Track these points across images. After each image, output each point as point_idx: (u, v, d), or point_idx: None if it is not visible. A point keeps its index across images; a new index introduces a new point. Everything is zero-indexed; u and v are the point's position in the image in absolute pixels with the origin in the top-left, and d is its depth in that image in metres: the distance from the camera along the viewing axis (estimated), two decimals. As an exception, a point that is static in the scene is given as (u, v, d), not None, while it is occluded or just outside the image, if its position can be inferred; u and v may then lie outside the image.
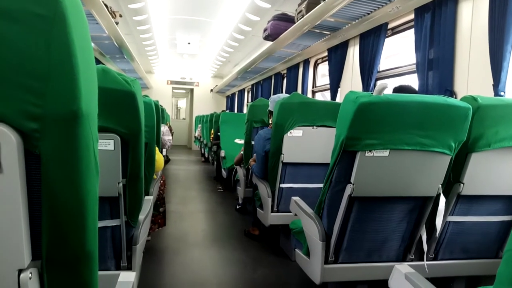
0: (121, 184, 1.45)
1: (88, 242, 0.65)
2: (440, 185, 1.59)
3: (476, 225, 1.74)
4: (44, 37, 0.55)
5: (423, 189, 1.59)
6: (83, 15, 0.62)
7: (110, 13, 4.24)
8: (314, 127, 2.47)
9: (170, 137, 3.65)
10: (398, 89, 2.10)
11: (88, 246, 0.65)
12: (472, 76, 2.33)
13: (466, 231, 1.75)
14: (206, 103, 12.34)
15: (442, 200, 1.59)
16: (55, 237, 0.62)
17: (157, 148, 2.55)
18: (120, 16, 4.88)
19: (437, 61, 2.54)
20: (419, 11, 2.71)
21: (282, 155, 2.51)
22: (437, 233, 1.67)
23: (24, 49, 0.55)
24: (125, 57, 6.18)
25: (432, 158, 1.53)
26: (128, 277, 1.20)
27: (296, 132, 2.47)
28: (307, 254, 1.82)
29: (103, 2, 3.86)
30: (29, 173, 0.59)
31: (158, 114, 2.78)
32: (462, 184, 1.61)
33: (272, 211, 2.67)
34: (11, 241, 0.59)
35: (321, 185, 1.70)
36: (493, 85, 2.08)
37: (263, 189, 2.73)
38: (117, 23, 4.58)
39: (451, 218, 1.71)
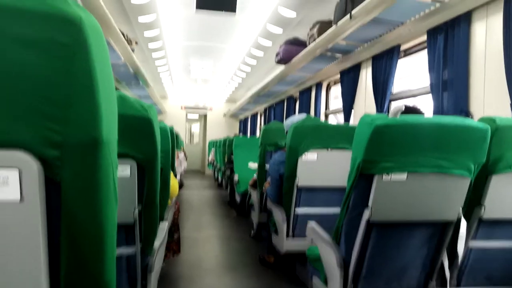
0: (137, 211, 1.44)
1: (107, 271, 0.65)
2: (461, 209, 1.55)
3: (500, 251, 1.67)
4: (66, 65, 0.56)
5: (443, 213, 1.55)
6: (104, 43, 0.63)
7: (127, 41, 4.37)
8: (329, 150, 2.46)
9: (186, 164, 3.67)
10: (405, 111, 2.07)
11: (106, 275, 0.65)
12: (488, 96, 2.30)
13: (489, 257, 1.68)
14: (219, 128, 12.43)
15: (463, 224, 1.54)
16: (74, 266, 0.62)
17: (172, 173, 2.56)
18: (136, 43, 5.02)
19: (451, 82, 2.52)
20: (432, 33, 2.72)
21: (297, 178, 2.49)
22: (459, 259, 1.61)
23: (47, 77, 0.56)
24: (140, 83, 6.32)
25: (451, 181, 1.49)
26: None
27: (311, 156, 2.45)
28: (325, 282, 1.77)
29: (120, 30, 3.98)
30: (48, 201, 0.60)
31: (173, 139, 2.81)
32: (483, 207, 1.56)
33: (288, 237, 2.63)
34: (30, 272, 0.59)
35: (338, 210, 1.67)
36: (510, 105, 2.04)
37: (278, 214, 2.69)
38: (133, 50, 4.71)
39: (473, 243, 1.65)
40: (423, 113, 2.01)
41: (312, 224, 2.00)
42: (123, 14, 4.29)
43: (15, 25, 0.54)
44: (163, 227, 1.98)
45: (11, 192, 0.56)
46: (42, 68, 0.56)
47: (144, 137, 1.38)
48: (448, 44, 2.56)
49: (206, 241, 4.02)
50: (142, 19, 4.45)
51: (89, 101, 0.57)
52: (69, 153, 0.58)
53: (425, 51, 2.85)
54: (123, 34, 4.19)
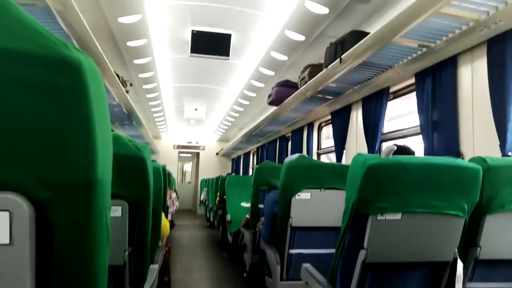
0: (127, 252, 1.40)
1: (96, 318, 0.62)
2: (456, 250, 1.53)
3: (498, 293, 1.64)
4: (65, 107, 0.56)
5: (439, 253, 1.53)
6: (102, 85, 0.63)
7: (121, 82, 4.44)
8: (322, 189, 2.45)
9: (177, 203, 3.64)
10: (397, 151, 2.09)
11: (96, 322, 0.62)
12: (477, 137, 2.34)
13: (488, 299, 1.65)
14: (211, 166, 12.39)
15: (460, 265, 1.52)
16: None
17: (163, 214, 2.52)
18: (131, 85, 5.10)
19: (441, 123, 2.58)
20: (420, 76, 2.81)
21: (291, 218, 2.46)
22: (458, 302, 1.57)
23: (44, 119, 0.55)
24: (134, 123, 6.35)
25: (446, 221, 1.49)
26: None
27: (304, 195, 2.44)
28: (321, 326, 1.71)
29: (115, 72, 4.06)
30: (39, 243, 0.58)
31: (165, 178, 2.79)
32: (479, 248, 1.55)
33: (282, 279, 2.55)
34: None
35: (332, 250, 1.64)
36: (499, 145, 2.08)
37: (271, 255, 2.63)
38: (127, 92, 4.78)
39: (470, 285, 1.62)
40: (414, 153, 2.03)
41: (306, 266, 1.96)
42: (118, 56, 4.39)
43: (14, 67, 0.54)
44: (154, 270, 1.91)
45: (0, 235, 0.54)
46: (40, 110, 0.55)
47: (137, 177, 1.37)
48: (436, 86, 2.64)
49: (198, 284, 3.89)
50: (137, 61, 4.55)
51: (85, 143, 0.57)
52: (63, 194, 0.57)
53: (414, 93, 2.93)
54: (118, 76, 4.27)
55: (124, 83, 4.68)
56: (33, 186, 0.56)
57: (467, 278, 1.59)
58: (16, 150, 0.55)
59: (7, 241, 0.55)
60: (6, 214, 0.54)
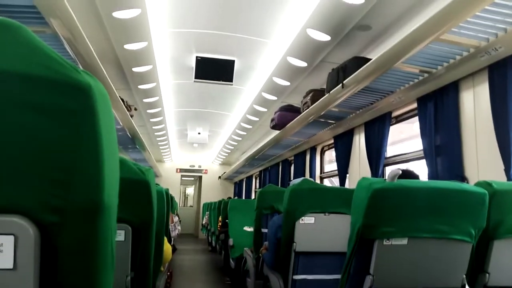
0: (129, 278, 1.38)
1: None
2: (464, 276, 1.50)
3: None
4: (73, 131, 0.56)
5: (446, 280, 1.50)
6: (110, 108, 0.64)
7: (126, 107, 4.49)
8: (326, 214, 2.43)
9: (179, 228, 3.60)
10: (401, 175, 2.09)
11: None
12: (481, 161, 2.34)
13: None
14: (214, 190, 12.32)
15: (469, 292, 1.49)
16: None
17: (165, 238, 2.49)
18: (135, 109, 5.15)
19: (444, 147, 2.58)
20: (422, 100, 2.83)
21: (295, 243, 2.42)
22: (468, 331, 1.53)
23: (53, 143, 0.55)
24: (137, 147, 6.37)
25: (453, 246, 1.46)
26: None
27: (308, 219, 2.41)
28: None
29: (119, 96, 4.11)
30: (43, 268, 0.57)
31: (168, 202, 2.77)
32: (487, 274, 1.51)
33: (286, 307, 2.49)
34: None
35: (338, 276, 1.61)
36: (504, 169, 2.07)
37: (275, 282, 2.58)
38: (131, 116, 4.82)
39: (481, 313, 1.58)
40: (418, 177, 2.02)
41: (311, 292, 1.92)
42: (123, 81, 4.46)
43: (24, 91, 0.54)
44: (156, 296, 1.88)
45: (4, 260, 0.53)
46: (49, 134, 0.55)
47: (141, 201, 1.36)
48: (438, 111, 2.65)
49: (199, 312, 3.79)
50: (142, 86, 4.61)
51: (94, 166, 0.57)
52: (69, 218, 0.56)
53: (416, 117, 2.94)
54: (122, 101, 4.32)
55: (129, 107, 4.73)
56: (40, 210, 0.55)
57: (477, 306, 1.55)
58: (24, 173, 0.55)
59: (11, 266, 0.54)
60: (11, 238, 0.53)
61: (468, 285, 1.50)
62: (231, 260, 5.03)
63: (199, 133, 8.01)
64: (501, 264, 1.51)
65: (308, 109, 3.94)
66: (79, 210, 0.57)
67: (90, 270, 0.59)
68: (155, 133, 7.41)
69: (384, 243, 1.41)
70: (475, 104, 2.42)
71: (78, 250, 0.57)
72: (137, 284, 1.44)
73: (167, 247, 2.56)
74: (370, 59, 2.66)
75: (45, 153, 0.55)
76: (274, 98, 4.99)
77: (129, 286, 1.38)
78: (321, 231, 2.42)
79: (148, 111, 5.76)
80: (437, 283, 1.50)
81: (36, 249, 0.55)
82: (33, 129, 0.55)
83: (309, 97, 3.99)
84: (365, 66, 2.68)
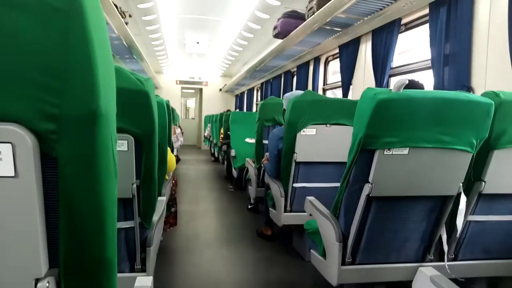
0: (135, 185, 1.43)
1: (107, 248, 0.63)
2: (461, 184, 1.55)
3: (498, 225, 1.69)
4: (61, 32, 0.52)
5: (443, 188, 1.55)
6: (101, 10, 0.59)
7: (120, 13, 4.25)
8: (328, 125, 2.43)
9: (182, 139, 3.65)
10: (408, 85, 2.04)
11: (107, 252, 0.63)
12: (490, 71, 2.26)
13: (487, 231, 1.70)
14: (215, 103, 12.34)
15: (463, 199, 1.54)
16: (73, 243, 0.60)
17: (169, 149, 2.54)
18: (130, 16, 4.89)
19: (453, 56, 2.48)
20: (434, 6, 2.65)
21: (295, 154, 2.47)
22: (458, 233, 1.62)
23: (41, 44, 0.52)
24: (135, 57, 6.19)
25: (453, 156, 1.48)
26: (144, 281, 1.18)
27: (309, 131, 2.43)
28: (323, 255, 1.79)
29: (112, 2, 3.86)
30: (45, 177, 0.57)
31: (169, 114, 2.77)
32: (483, 183, 1.56)
33: (285, 211, 2.64)
34: (27, 249, 0.57)
35: (335, 185, 1.67)
36: (513, 79, 2.02)
37: (276, 189, 2.70)
38: (126, 23, 4.59)
39: (472, 218, 1.66)
40: (423, 87, 1.98)
41: (310, 198, 2.00)
42: (116, -16, 4.15)
43: None
44: (162, 201, 1.97)
45: (5, 167, 0.54)
46: (36, 34, 0.52)
47: (141, 111, 1.34)
48: (451, 17, 2.50)
49: (204, 215, 4.05)
50: (135, -10, 4.31)
51: (86, 71, 0.54)
52: (66, 126, 0.55)
53: (426, 25, 2.79)
54: (116, 7, 4.06)
55: (123, 14, 4.47)
56: (35, 118, 0.54)
57: (469, 211, 1.62)
58: (14, 79, 0.53)
59: (12, 174, 0.54)
60: (9, 146, 0.53)
61: (464, 193, 1.55)
62: (233, 170, 5.22)
63: (197, 43, 7.73)
64: (498, 173, 1.55)
65: (313, 15, 3.72)
66: (75, 117, 0.55)
67: (92, 179, 0.59)
68: (152, 42, 7.15)
69: (385, 153, 1.42)
70: (491, 11, 2.26)
71: (78, 159, 0.57)
72: (143, 191, 1.50)
73: (171, 157, 2.63)
74: (383, -42, 2.43)
75: (34, 57, 0.53)
76: (278, 3, 4.69)
77: (135, 193, 1.43)
78: (321, 142, 2.45)
79: (144, 18, 5.47)
80: (434, 191, 1.55)
81: (36, 157, 0.55)
82: (18, 30, 0.51)
83: (314, 2, 3.74)
84: (377, -35, 2.46)
